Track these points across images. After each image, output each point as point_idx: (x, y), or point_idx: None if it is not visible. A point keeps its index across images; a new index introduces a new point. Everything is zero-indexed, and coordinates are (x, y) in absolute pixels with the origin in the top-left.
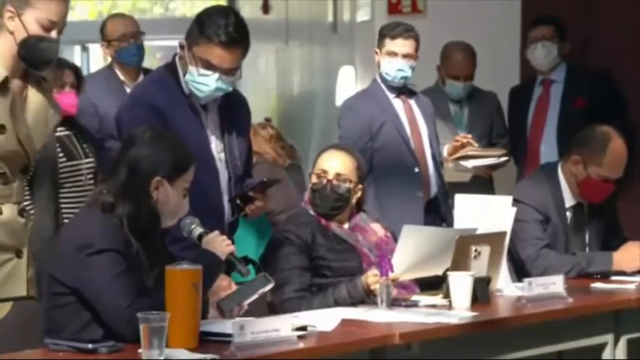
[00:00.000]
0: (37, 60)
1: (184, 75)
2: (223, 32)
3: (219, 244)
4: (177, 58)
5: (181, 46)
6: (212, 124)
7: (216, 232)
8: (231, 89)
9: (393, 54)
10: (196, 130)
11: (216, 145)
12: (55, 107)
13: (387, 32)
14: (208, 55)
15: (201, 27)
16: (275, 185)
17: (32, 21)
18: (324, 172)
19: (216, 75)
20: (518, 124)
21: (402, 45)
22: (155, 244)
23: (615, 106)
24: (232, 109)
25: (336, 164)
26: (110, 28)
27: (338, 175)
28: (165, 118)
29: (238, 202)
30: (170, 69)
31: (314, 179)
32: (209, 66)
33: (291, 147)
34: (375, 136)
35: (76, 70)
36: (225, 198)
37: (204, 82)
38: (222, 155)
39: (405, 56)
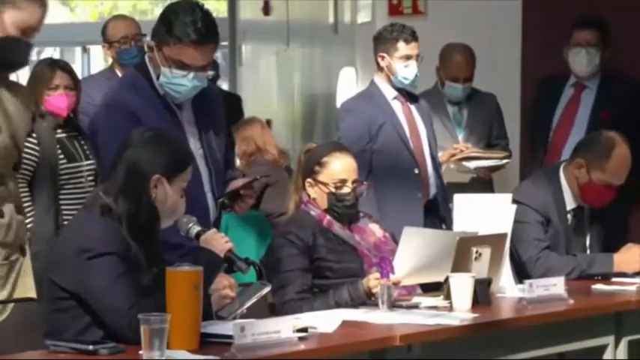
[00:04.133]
0: (8, 62)
1: (157, 76)
2: (193, 30)
3: (218, 241)
4: (147, 59)
5: (150, 48)
6: (188, 121)
7: (214, 230)
8: (206, 84)
9: (409, 57)
10: (173, 129)
11: (194, 143)
12: (30, 96)
13: (398, 36)
14: (180, 55)
15: (169, 27)
16: (276, 188)
17: (11, 22)
18: (343, 181)
19: (191, 74)
20: (541, 119)
21: (414, 47)
22: (154, 244)
23: None
24: (206, 103)
25: (351, 170)
26: (111, 29)
27: (354, 181)
28: (140, 121)
29: (225, 200)
30: (141, 70)
31: (334, 189)
32: (182, 66)
33: (283, 150)
34: (375, 137)
35: (71, 72)
36: (209, 194)
37: (180, 83)
38: (201, 151)
39: (416, 58)
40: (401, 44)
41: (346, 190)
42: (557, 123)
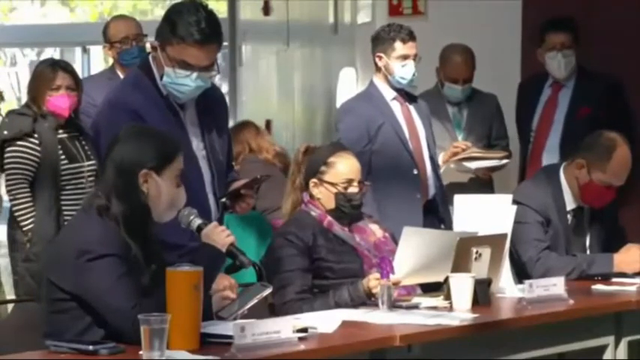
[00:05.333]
0: None
1: (160, 76)
2: (196, 30)
3: (219, 235)
4: (150, 59)
5: (154, 48)
6: (191, 122)
7: (215, 224)
8: (210, 85)
9: (406, 57)
10: (176, 130)
11: (197, 144)
12: None
13: (395, 36)
14: (183, 55)
15: (173, 27)
16: (270, 183)
17: None
18: (350, 180)
19: (195, 74)
20: (523, 122)
21: (411, 47)
22: (151, 241)
23: (622, 118)
24: (209, 104)
25: (356, 170)
26: (112, 29)
27: (360, 182)
28: (143, 121)
29: (226, 201)
30: (145, 70)
31: (342, 189)
32: (186, 66)
33: (283, 150)
34: (374, 138)
35: (72, 73)
36: (211, 196)
37: (183, 83)
38: (204, 152)
39: (414, 58)
40: (398, 44)
41: (354, 189)
42: (537, 124)
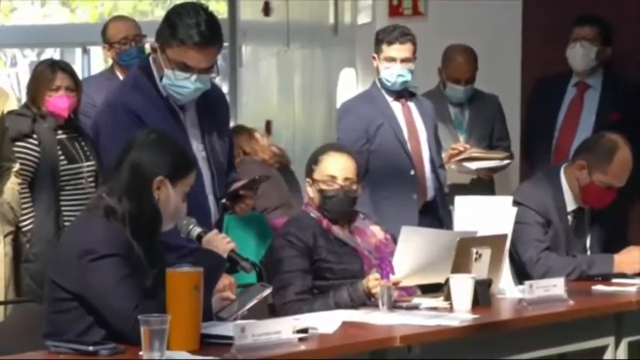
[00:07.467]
0: None
1: (160, 78)
2: (196, 33)
3: (220, 242)
4: (151, 60)
5: (154, 49)
6: (191, 123)
7: (215, 231)
8: (209, 87)
9: (392, 60)
10: (176, 131)
11: (196, 145)
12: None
13: (383, 37)
14: (183, 57)
15: (173, 29)
16: (268, 183)
17: None
18: (333, 177)
19: (194, 76)
20: (543, 120)
21: (399, 50)
22: (156, 245)
23: None
24: (210, 105)
25: (343, 168)
26: (112, 30)
27: (347, 179)
28: (143, 122)
29: (226, 202)
30: (145, 71)
31: (323, 186)
32: (185, 68)
33: (281, 150)
34: (372, 138)
35: (72, 73)
36: (211, 197)
37: (182, 85)
38: (204, 154)
39: (404, 61)
40: (384, 46)
41: (334, 186)
42: (562, 124)
